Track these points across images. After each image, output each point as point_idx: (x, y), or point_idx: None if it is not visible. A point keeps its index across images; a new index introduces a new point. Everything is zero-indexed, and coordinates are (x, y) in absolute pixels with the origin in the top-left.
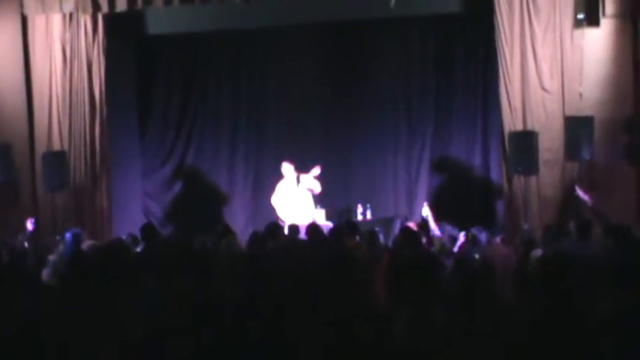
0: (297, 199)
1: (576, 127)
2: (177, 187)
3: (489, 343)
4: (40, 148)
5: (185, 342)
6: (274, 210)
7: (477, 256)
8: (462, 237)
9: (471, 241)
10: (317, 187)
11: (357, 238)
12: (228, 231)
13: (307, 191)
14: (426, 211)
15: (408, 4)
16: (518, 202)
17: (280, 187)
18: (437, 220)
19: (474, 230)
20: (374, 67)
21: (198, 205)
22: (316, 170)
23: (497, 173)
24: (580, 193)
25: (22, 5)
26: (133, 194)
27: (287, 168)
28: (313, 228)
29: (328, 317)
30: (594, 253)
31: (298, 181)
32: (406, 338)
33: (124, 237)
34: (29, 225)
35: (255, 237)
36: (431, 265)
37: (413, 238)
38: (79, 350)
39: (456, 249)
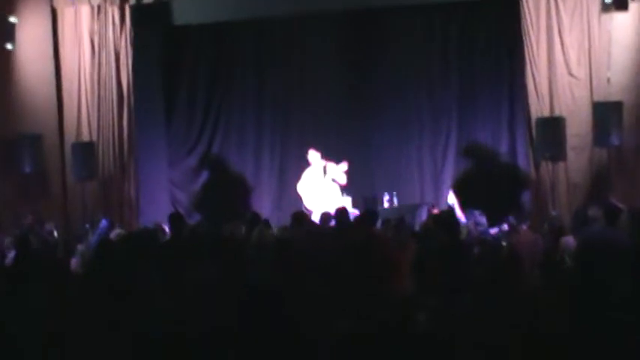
0: (323, 187)
1: (604, 112)
2: (204, 175)
3: (514, 332)
4: (69, 138)
5: (216, 331)
6: (299, 197)
7: (504, 243)
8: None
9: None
10: (342, 179)
11: (378, 225)
12: (259, 219)
13: (333, 181)
14: (451, 199)
15: None
16: (545, 189)
17: (307, 174)
18: (462, 207)
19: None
20: (397, 54)
21: (225, 193)
22: (344, 165)
23: (524, 160)
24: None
25: None
26: (159, 183)
27: (313, 155)
28: (342, 213)
29: (353, 303)
30: (623, 240)
31: (325, 169)
32: (430, 326)
33: (150, 226)
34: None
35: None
36: (458, 254)
37: (445, 225)
38: (101, 339)
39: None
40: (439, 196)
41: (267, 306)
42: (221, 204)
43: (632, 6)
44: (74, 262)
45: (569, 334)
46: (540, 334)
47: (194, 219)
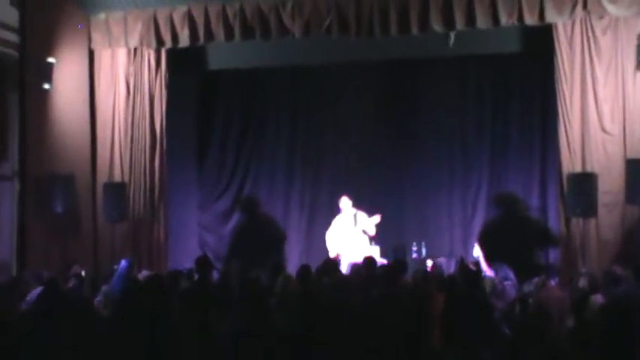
0: (352, 236)
1: (637, 169)
2: (233, 220)
3: None
4: (102, 178)
5: None
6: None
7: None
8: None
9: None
10: (372, 231)
11: (407, 276)
12: (283, 267)
13: (362, 232)
14: (477, 252)
15: (467, 43)
16: (575, 245)
17: (336, 221)
18: (488, 260)
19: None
20: (430, 105)
21: (257, 239)
22: (377, 218)
23: (554, 215)
24: None
25: (89, 40)
26: (189, 226)
27: (345, 202)
28: (371, 262)
29: (377, 354)
30: None
31: (355, 217)
32: None
33: (179, 268)
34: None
35: (304, 270)
36: (484, 309)
37: (467, 278)
38: None
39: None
40: (468, 247)
41: (293, 354)
42: (253, 250)
43: None
44: (97, 302)
45: None
46: None
47: (222, 263)
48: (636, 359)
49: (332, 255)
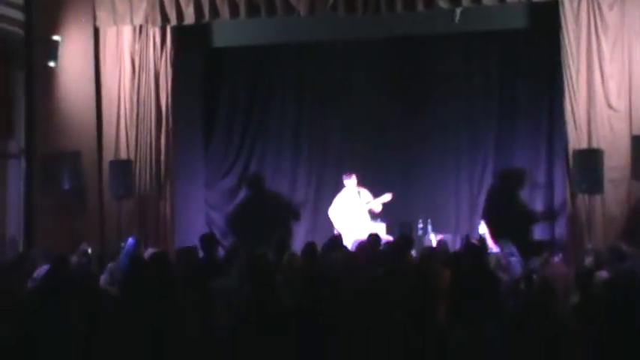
0: (355, 212)
1: None
2: (240, 198)
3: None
4: (108, 156)
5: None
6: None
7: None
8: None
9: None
10: (378, 208)
11: (413, 252)
12: (286, 245)
13: (367, 208)
14: (482, 229)
15: (473, 19)
16: (581, 221)
17: (338, 198)
18: (494, 236)
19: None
20: (436, 82)
21: (263, 216)
22: (387, 196)
23: (561, 191)
24: None
25: (94, 18)
26: (195, 204)
27: (349, 179)
28: (375, 239)
29: (383, 329)
30: None
31: (359, 194)
32: (459, 355)
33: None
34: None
35: (310, 247)
36: (489, 285)
37: (472, 254)
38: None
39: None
40: (474, 224)
41: (300, 326)
42: (258, 225)
43: None
44: (103, 279)
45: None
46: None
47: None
48: (637, 332)
49: (337, 231)
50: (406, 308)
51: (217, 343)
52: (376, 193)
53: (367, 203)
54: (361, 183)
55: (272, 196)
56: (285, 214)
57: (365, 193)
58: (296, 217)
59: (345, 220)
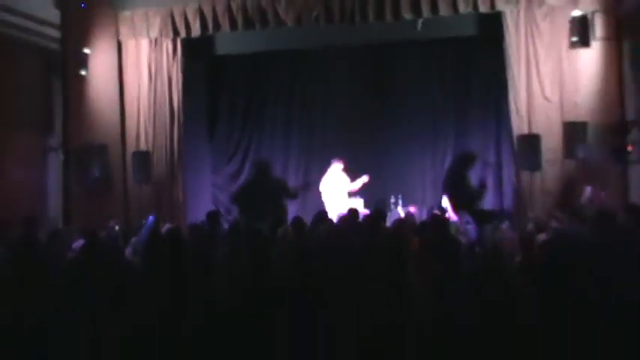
0: (339, 190)
1: (573, 130)
2: (241, 180)
3: (493, 311)
4: (130, 148)
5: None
6: (320, 202)
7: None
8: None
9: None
10: (356, 187)
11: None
12: (281, 221)
13: (348, 188)
14: (445, 202)
15: (432, 28)
16: (524, 194)
17: (327, 177)
18: (454, 209)
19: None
20: (404, 81)
21: (262, 195)
22: (365, 178)
23: (508, 169)
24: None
25: (117, 33)
26: (203, 186)
27: (337, 164)
28: (354, 212)
29: (366, 290)
30: (584, 234)
31: (343, 176)
32: (428, 306)
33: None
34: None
35: (297, 220)
36: (451, 248)
37: (438, 224)
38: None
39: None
40: (437, 198)
41: (294, 294)
42: (258, 203)
43: (593, 44)
44: (128, 252)
45: (538, 310)
46: (515, 311)
47: (232, 216)
48: (570, 284)
49: (326, 205)
50: (384, 271)
51: (220, 309)
52: (355, 176)
53: (350, 183)
54: (345, 168)
55: (271, 178)
56: (280, 193)
57: (345, 178)
58: (292, 196)
59: (330, 196)
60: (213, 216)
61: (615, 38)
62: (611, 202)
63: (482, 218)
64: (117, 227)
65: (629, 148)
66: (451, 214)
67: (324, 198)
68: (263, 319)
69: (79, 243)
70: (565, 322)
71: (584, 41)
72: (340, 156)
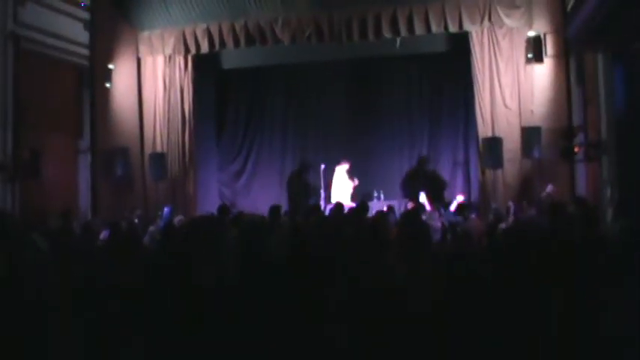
0: (343, 186)
1: (529, 134)
2: (244, 178)
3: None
4: (148, 150)
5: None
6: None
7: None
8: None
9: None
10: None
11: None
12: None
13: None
14: (423, 198)
15: (409, 45)
16: (489, 188)
17: (335, 175)
18: (430, 202)
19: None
20: (385, 92)
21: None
22: (355, 181)
23: (475, 167)
24: (550, 188)
25: (137, 50)
26: (211, 183)
27: (343, 165)
28: (340, 205)
29: (352, 272)
30: (540, 223)
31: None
32: (405, 285)
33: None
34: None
35: (274, 207)
36: (424, 236)
37: (413, 216)
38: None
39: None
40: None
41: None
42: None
43: (546, 60)
44: (146, 239)
45: (496, 279)
46: (479, 282)
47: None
48: (524, 262)
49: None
50: (366, 257)
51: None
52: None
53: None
54: (330, 166)
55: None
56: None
57: (347, 178)
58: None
59: (336, 190)
60: (222, 209)
61: (564, 56)
62: (561, 195)
63: (461, 209)
64: (136, 220)
65: (576, 150)
66: (428, 207)
67: (332, 193)
68: (260, 292)
69: (105, 233)
70: (523, 297)
71: (538, 58)
72: (326, 160)
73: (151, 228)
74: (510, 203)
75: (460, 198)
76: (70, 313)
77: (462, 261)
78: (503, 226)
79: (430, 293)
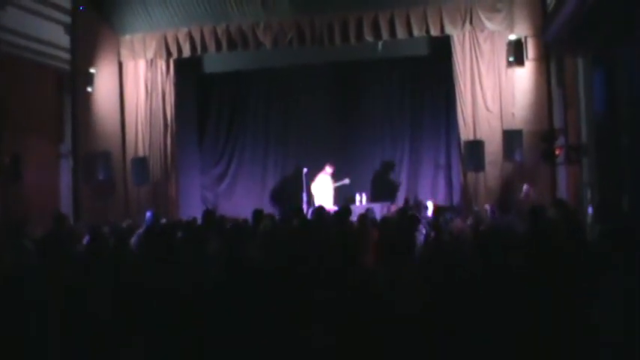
0: (326, 190)
1: (511, 137)
2: (226, 182)
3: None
4: (130, 154)
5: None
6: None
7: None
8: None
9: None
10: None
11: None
12: (263, 216)
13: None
14: (430, 205)
15: (391, 48)
16: (470, 191)
17: (319, 178)
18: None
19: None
20: (366, 95)
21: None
22: (346, 180)
23: (457, 170)
24: (526, 188)
25: (119, 54)
26: (193, 186)
27: (328, 168)
28: (321, 208)
29: (332, 273)
30: (517, 225)
31: (332, 179)
32: (385, 288)
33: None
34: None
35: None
36: (408, 239)
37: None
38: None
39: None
40: (396, 197)
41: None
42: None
43: (526, 64)
44: (133, 241)
45: (481, 276)
46: (464, 278)
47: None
48: (498, 256)
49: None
50: (346, 258)
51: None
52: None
53: (334, 184)
54: (312, 170)
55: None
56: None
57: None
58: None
59: (320, 194)
60: (207, 214)
61: (545, 59)
62: (541, 198)
63: (438, 212)
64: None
65: (557, 152)
66: (430, 212)
67: (316, 196)
68: (243, 295)
69: (87, 238)
70: (504, 292)
71: (519, 61)
72: (307, 164)
73: (139, 231)
74: (487, 206)
75: (431, 204)
76: (60, 315)
77: (449, 262)
78: (482, 227)
79: (415, 295)
